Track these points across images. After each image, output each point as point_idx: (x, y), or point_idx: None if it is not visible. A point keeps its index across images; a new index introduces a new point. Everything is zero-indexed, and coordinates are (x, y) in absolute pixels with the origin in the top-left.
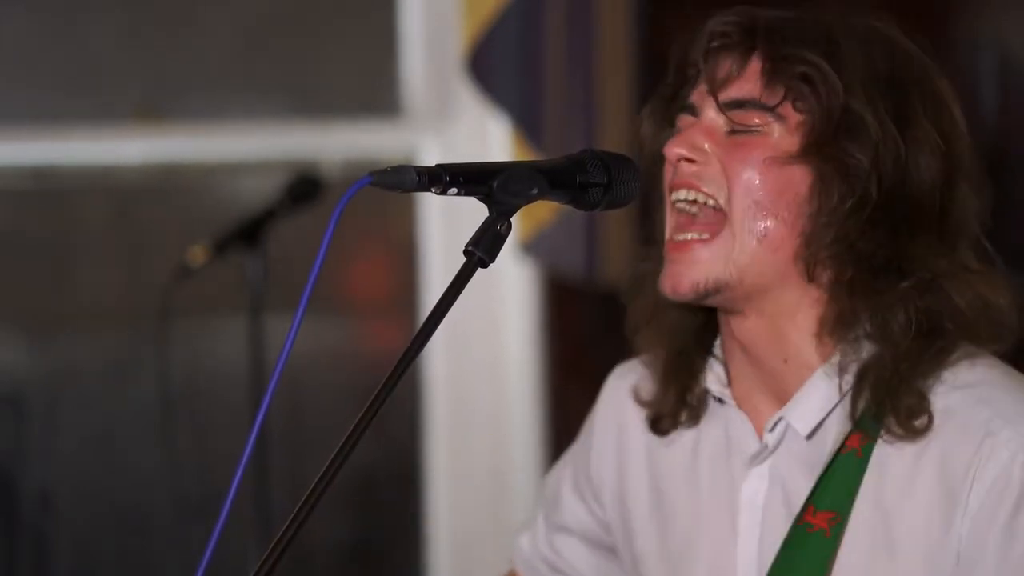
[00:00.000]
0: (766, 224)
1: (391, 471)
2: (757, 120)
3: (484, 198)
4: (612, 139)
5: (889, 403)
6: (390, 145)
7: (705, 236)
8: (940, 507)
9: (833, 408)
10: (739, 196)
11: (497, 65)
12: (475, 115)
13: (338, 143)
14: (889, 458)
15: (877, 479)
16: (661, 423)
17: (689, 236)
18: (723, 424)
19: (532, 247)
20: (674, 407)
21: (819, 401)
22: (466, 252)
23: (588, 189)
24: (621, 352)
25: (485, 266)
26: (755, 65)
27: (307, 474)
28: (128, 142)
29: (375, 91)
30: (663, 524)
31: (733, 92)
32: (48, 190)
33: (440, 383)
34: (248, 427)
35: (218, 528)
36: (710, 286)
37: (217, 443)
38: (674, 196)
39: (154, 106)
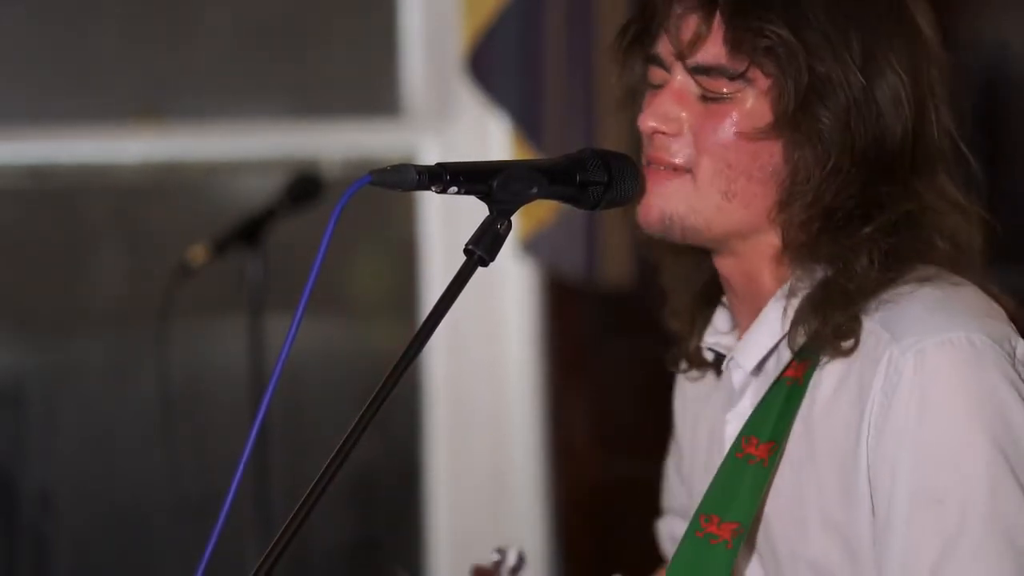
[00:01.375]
0: (736, 184)
1: (391, 471)
2: (726, 88)
3: (484, 197)
4: (612, 139)
5: (824, 324)
6: (390, 145)
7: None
8: (853, 421)
9: (779, 341)
10: (708, 162)
11: (497, 65)
12: (475, 115)
13: (338, 143)
14: (821, 381)
15: (810, 403)
16: (682, 364)
17: (661, 168)
18: (730, 371)
19: (532, 247)
20: (694, 353)
21: (766, 336)
22: (466, 251)
23: (588, 188)
24: (621, 352)
25: (485, 265)
26: (718, 28)
27: (307, 474)
28: (128, 141)
29: (375, 91)
30: (690, 482)
31: (700, 57)
32: (48, 189)
33: (440, 383)
34: (248, 427)
35: (218, 528)
36: (676, 223)
37: (217, 443)
38: (651, 166)
39: (154, 106)
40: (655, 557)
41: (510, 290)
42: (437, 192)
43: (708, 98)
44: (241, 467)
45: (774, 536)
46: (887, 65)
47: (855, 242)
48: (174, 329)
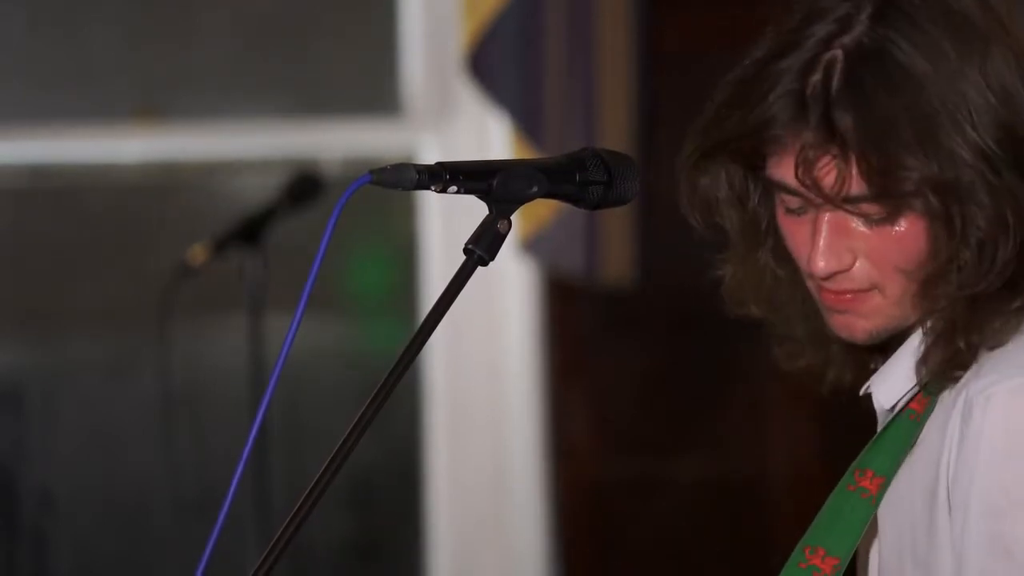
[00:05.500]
0: (916, 283)
1: (391, 471)
2: (885, 209)
3: (484, 196)
4: (612, 138)
5: (944, 358)
6: (390, 144)
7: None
8: (937, 455)
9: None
10: (893, 280)
11: (497, 65)
12: (475, 114)
13: (338, 142)
14: (931, 416)
15: (920, 438)
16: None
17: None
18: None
19: (532, 246)
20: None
21: (903, 373)
22: (466, 251)
23: (588, 187)
24: (621, 352)
25: (485, 264)
26: (856, 166)
27: (307, 474)
28: (127, 141)
29: (375, 90)
30: None
31: (851, 189)
32: (47, 189)
33: (440, 383)
34: (248, 426)
35: (218, 528)
36: (881, 334)
37: (217, 442)
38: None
39: (154, 105)
40: (655, 557)
41: (510, 290)
42: (437, 191)
43: (871, 220)
44: (241, 467)
45: (886, 572)
46: (998, 112)
47: (995, 312)
48: (174, 329)
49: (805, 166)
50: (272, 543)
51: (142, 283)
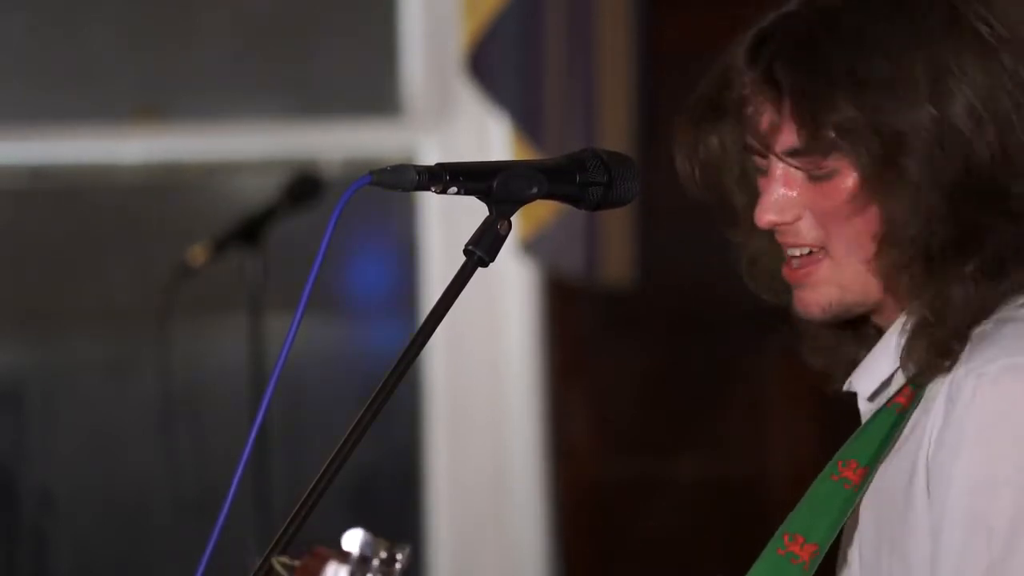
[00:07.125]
0: (870, 249)
1: (391, 471)
2: (823, 166)
3: (484, 197)
4: (612, 138)
5: (927, 350)
6: (390, 144)
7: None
8: (919, 439)
9: (896, 370)
10: (837, 238)
11: (497, 65)
12: (475, 115)
13: (338, 142)
14: (917, 407)
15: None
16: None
17: (797, 258)
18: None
19: (532, 247)
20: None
21: (884, 364)
22: (466, 251)
23: (588, 188)
24: (621, 352)
25: (485, 265)
26: (790, 115)
27: (307, 474)
28: (128, 141)
29: (375, 91)
30: None
31: (788, 140)
32: (47, 189)
33: (440, 383)
34: (248, 427)
35: (218, 528)
36: (835, 306)
37: (217, 443)
38: (789, 261)
39: (154, 105)
40: (654, 557)
41: (510, 290)
42: (437, 192)
43: (813, 177)
44: (241, 467)
45: (866, 562)
46: (956, 82)
47: (952, 279)
48: (174, 329)
49: (750, 113)
50: (272, 543)
51: (142, 283)
